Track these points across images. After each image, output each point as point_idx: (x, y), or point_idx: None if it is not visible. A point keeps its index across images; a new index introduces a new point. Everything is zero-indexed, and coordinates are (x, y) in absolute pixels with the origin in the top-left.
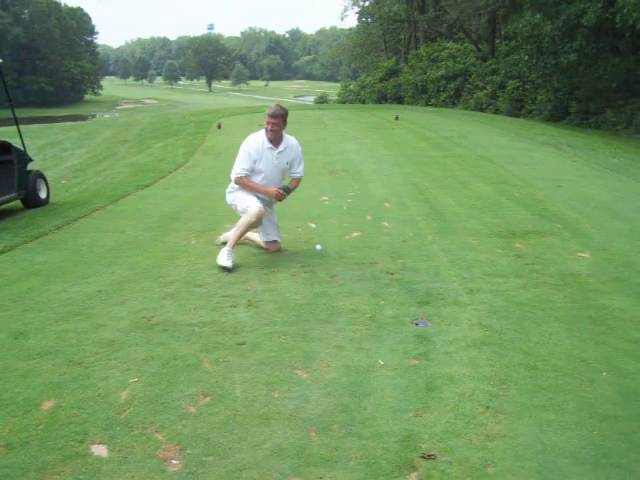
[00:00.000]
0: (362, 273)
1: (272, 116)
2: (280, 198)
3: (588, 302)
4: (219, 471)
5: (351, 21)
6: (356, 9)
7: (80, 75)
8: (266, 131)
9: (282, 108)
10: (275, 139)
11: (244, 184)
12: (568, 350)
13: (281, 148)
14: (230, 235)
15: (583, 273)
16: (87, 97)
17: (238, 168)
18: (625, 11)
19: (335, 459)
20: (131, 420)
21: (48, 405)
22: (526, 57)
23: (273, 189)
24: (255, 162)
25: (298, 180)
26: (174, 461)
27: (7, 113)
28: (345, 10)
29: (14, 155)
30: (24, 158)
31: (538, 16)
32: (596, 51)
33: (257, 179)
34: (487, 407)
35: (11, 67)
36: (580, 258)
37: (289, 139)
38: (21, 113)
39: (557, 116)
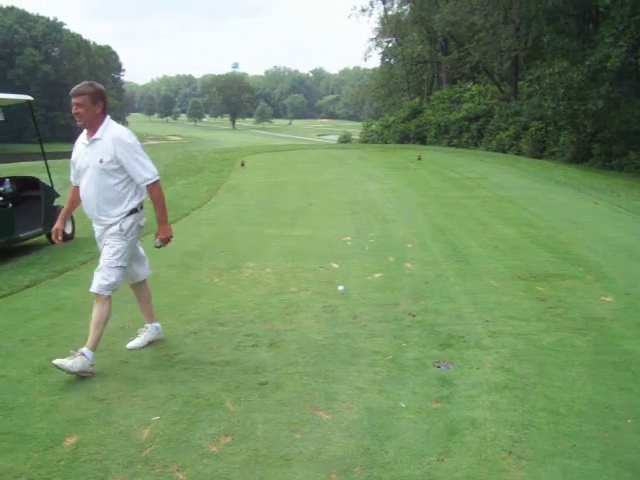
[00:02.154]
0: (384, 314)
1: (73, 95)
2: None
3: (612, 347)
4: None
5: (374, 61)
6: (379, 50)
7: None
8: None
9: (90, 84)
10: (89, 128)
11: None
12: (592, 396)
13: (94, 138)
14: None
15: (606, 317)
16: None
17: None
18: None
19: None
20: (152, 458)
21: (70, 441)
22: (552, 105)
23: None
24: (74, 164)
25: (152, 189)
26: None
27: (36, 148)
28: (369, 51)
29: (41, 190)
30: (51, 193)
31: (566, 63)
32: (621, 95)
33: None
34: (510, 452)
35: (39, 103)
36: (603, 302)
37: (111, 127)
38: (48, 148)
39: (580, 158)
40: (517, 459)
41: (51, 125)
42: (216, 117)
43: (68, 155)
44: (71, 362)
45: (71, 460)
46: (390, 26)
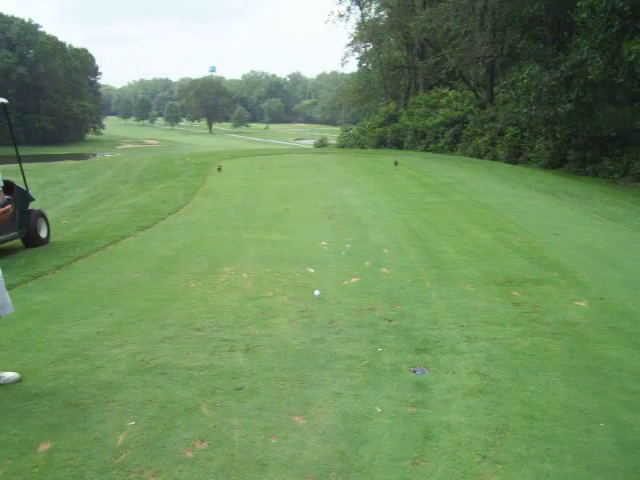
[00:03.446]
0: (360, 319)
1: None
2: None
3: (585, 352)
4: None
5: (352, 66)
6: (357, 55)
7: (82, 114)
8: None
9: None
10: None
11: None
12: (565, 400)
13: None
14: None
15: (580, 322)
16: (89, 136)
17: None
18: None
19: None
20: (127, 464)
21: (44, 447)
22: (524, 109)
23: None
24: None
25: None
26: None
27: (10, 151)
28: (346, 56)
29: (16, 194)
30: (26, 197)
31: (537, 67)
32: (593, 100)
33: None
34: (484, 457)
35: (14, 105)
36: (577, 307)
37: None
38: (23, 151)
39: (555, 164)
40: (492, 463)
41: (26, 128)
42: (193, 121)
43: (44, 158)
44: None
45: (45, 466)
46: (367, 31)
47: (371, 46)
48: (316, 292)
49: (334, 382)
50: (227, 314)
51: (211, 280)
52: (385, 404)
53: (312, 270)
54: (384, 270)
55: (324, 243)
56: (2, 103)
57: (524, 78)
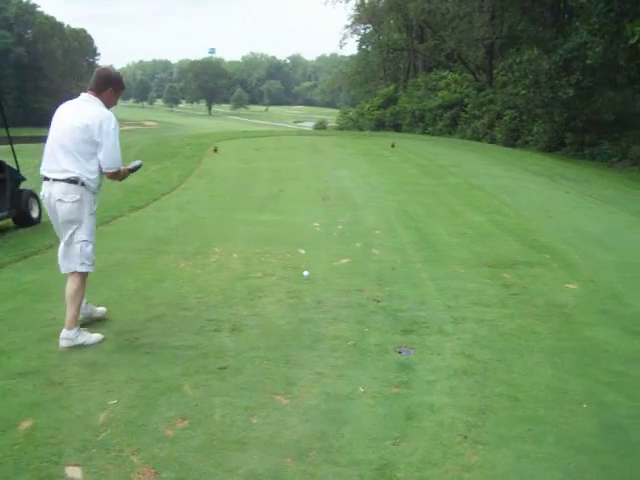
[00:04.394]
0: (348, 300)
1: None
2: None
3: (573, 334)
4: None
5: (352, 49)
6: (356, 37)
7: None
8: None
9: None
10: None
11: (118, 176)
12: (550, 381)
13: None
14: (69, 313)
15: (569, 304)
16: None
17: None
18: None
19: None
20: (108, 442)
21: (25, 425)
22: (523, 91)
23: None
24: None
25: None
26: None
27: (3, 132)
28: (344, 38)
29: (7, 173)
30: (16, 177)
31: (536, 51)
32: (593, 84)
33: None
34: (465, 437)
35: (12, 86)
36: (567, 289)
37: None
38: (21, 132)
39: (553, 147)
40: (472, 443)
41: (24, 109)
42: (192, 103)
43: (40, 139)
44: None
45: (25, 444)
46: (366, 13)
47: (370, 28)
48: (305, 273)
49: (319, 362)
50: (215, 294)
51: (201, 260)
52: (369, 384)
53: (303, 251)
54: (375, 251)
55: (316, 224)
56: None
57: (521, 62)
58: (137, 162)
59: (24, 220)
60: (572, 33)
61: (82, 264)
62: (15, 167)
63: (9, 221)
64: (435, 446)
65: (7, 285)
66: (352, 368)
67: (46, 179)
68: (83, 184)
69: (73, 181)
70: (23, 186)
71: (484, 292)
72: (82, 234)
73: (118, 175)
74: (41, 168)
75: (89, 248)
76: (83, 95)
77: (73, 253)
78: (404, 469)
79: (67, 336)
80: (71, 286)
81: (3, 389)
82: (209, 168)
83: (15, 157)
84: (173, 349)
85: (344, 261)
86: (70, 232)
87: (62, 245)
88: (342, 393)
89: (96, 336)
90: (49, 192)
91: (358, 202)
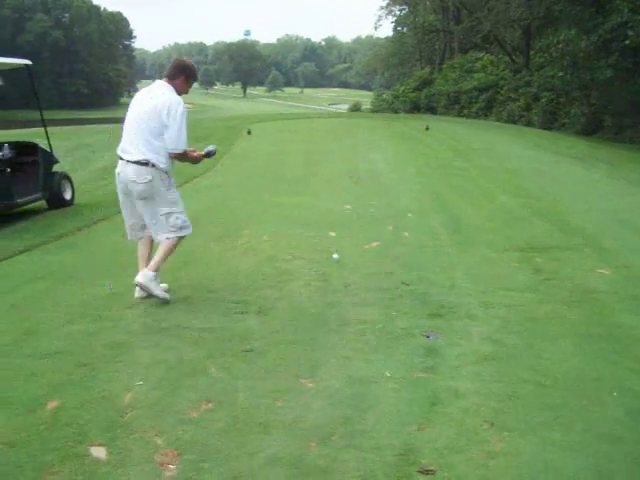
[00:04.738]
0: (377, 283)
1: None
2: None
3: (603, 320)
4: (214, 478)
5: (387, 30)
6: (391, 18)
7: (117, 78)
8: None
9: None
10: None
11: (185, 157)
12: (579, 368)
13: None
14: (156, 258)
15: (601, 290)
16: (123, 100)
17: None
18: None
19: (332, 471)
20: (132, 423)
21: (52, 405)
22: (560, 73)
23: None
24: None
25: None
26: (171, 466)
27: (37, 115)
28: (379, 20)
29: (40, 156)
30: (50, 159)
31: (573, 31)
32: (632, 65)
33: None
34: (491, 424)
35: (49, 69)
36: (599, 274)
37: None
38: (57, 114)
39: (590, 130)
40: (498, 430)
41: (61, 92)
42: (227, 85)
43: (77, 122)
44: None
45: (51, 424)
46: None
47: (406, 9)
48: (335, 256)
49: (345, 346)
50: (243, 276)
51: (230, 242)
52: (394, 369)
53: (333, 234)
54: (405, 234)
55: (347, 207)
56: (26, 64)
57: (558, 42)
58: (211, 147)
59: (57, 202)
60: (613, 12)
61: (170, 232)
62: (48, 149)
63: (42, 203)
64: (460, 432)
65: (37, 266)
66: (378, 352)
67: (121, 159)
68: (154, 165)
69: (144, 163)
70: (56, 168)
71: (514, 277)
72: (163, 208)
73: (184, 157)
74: (118, 148)
75: (172, 218)
76: (158, 82)
77: (160, 224)
78: (428, 455)
79: (146, 274)
80: (167, 242)
81: (32, 369)
82: (242, 150)
83: (49, 139)
84: (199, 331)
85: (374, 244)
86: (151, 207)
87: (131, 220)
88: (367, 377)
89: (164, 294)
90: (124, 172)
91: (390, 185)
